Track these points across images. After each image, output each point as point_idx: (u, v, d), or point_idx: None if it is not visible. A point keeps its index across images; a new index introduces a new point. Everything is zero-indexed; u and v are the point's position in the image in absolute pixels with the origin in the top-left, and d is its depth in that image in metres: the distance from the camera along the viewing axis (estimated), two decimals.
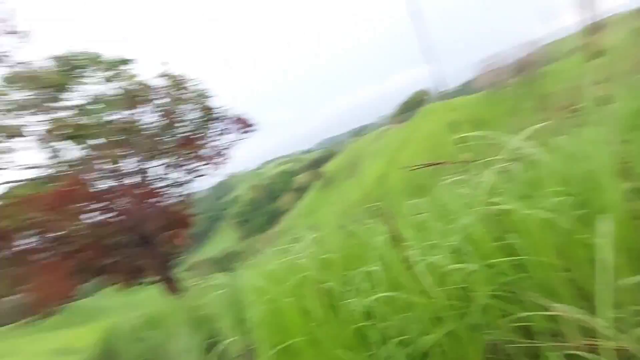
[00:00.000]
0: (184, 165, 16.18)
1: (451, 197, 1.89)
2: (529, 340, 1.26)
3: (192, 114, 16.08)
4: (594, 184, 1.12)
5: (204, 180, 17.80)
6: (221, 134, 16.98)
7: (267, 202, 43.63)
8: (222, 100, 18.53)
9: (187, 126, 15.96)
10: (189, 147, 15.71)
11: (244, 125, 17.37)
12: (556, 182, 1.26)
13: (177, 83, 15.31)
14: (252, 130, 17.68)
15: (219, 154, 16.70)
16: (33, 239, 12.42)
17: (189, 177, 16.50)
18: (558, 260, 1.16)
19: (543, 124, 1.78)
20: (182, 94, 15.46)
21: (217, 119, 16.55)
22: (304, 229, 2.86)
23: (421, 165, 2.15)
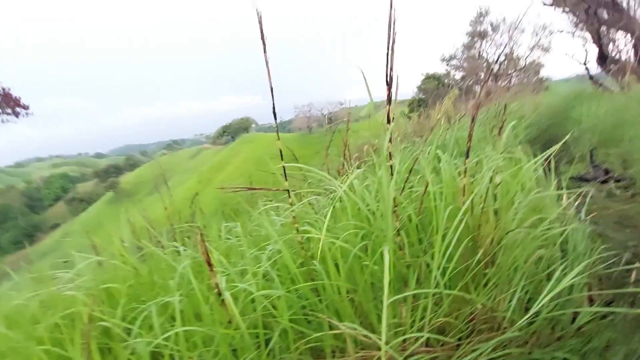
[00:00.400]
0: None
1: (264, 223, 1.92)
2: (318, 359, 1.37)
3: None
4: (378, 220, 1.39)
5: None
6: None
7: (27, 212, 32.11)
8: None
9: None
10: None
11: (9, 103, 12.67)
12: (352, 216, 1.49)
13: None
14: (19, 113, 13.09)
15: None
16: None
17: None
18: (347, 284, 1.34)
19: (347, 167, 2.11)
20: None
21: None
22: (80, 249, 2.22)
23: (238, 188, 2.10)
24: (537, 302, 1.15)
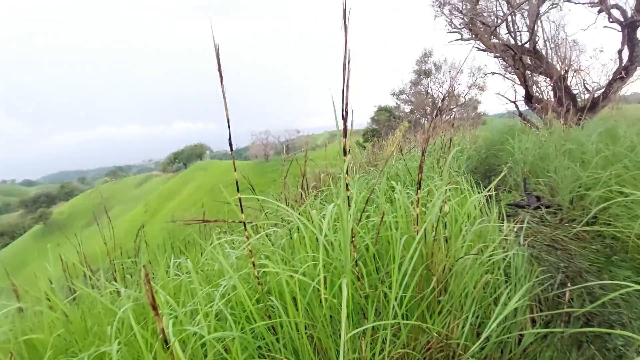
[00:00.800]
0: None
1: (218, 257, 1.83)
2: None
3: None
4: (336, 250, 1.38)
5: None
6: None
7: None
8: None
9: None
10: None
11: None
12: (310, 248, 1.47)
13: None
14: None
15: None
16: None
17: None
18: (305, 320, 1.30)
19: (303, 197, 2.10)
20: None
21: None
22: None
23: (190, 220, 1.99)
24: (487, 327, 1.20)
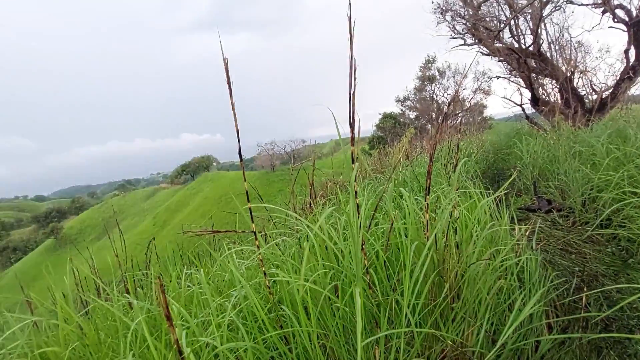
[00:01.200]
0: None
1: (230, 267, 1.83)
2: None
3: None
4: (347, 258, 1.38)
5: None
6: None
7: None
8: None
9: None
10: None
11: None
12: (320, 256, 1.47)
13: None
14: None
15: None
16: None
17: None
18: (318, 330, 1.29)
19: (311, 206, 2.11)
20: None
21: None
22: (11, 306, 1.95)
23: (201, 231, 2.02)
24: (503, 334, 1.18)
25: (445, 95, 22.59)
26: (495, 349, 1.18)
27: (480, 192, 1.79)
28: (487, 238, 1.52)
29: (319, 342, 1.32)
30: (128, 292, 2.01)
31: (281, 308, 1.37)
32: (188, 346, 1.13)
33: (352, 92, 1.31)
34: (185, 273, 1.92)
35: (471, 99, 21.37)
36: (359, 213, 1.36)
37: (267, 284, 1.45)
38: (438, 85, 23.11)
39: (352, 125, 1.33)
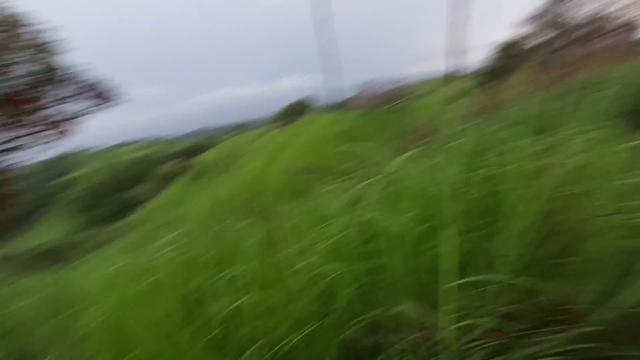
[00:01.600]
0: (6, 128, 12.52)
1: (326, 203, 1.99)
2: (376, 337, 1.42)
3: (25, 67, 12.58)
4: (440, 202, 1.36)
5: (34, 152, 14.13)
6: (65, 100, 13.87)
7: (118, 189, 36.59)
8: (81, 59, 15.06)
9: (13, 81, 12.40)
10: (12, 107, 12.25)
11: (100, 94, 14.60)
12: (412, 198, 1.48)
13: (10, 23, 11.78)
14: (110, 103, 14.99)
15: (56, 123, 13.54)
16: None
17: (11, 144, 12.83)
18: (408, 264, 1.36)
19: (407, 148, 2.06)
20: (12, 38, 11.94)
21: (62, 80, 13.42)
22: (164, 224, 2.56)
23: (302, 169, 2.19)
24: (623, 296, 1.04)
25: (581, 13, 17.36)
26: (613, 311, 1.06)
27: (618, 136, 1.46)
28: (617, 190, 1.27)
29: (409, 276, 1.39)
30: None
31: (375, 242, 1.47)
32: (290, 266, 1.33)
33: (460, 18, 1.16)
34: (290, 205, 2.18)
35: (620, 16, 15.96)
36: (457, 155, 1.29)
37: (359, 220, 1.55)
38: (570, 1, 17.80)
39: (458, 59, 1.20)
